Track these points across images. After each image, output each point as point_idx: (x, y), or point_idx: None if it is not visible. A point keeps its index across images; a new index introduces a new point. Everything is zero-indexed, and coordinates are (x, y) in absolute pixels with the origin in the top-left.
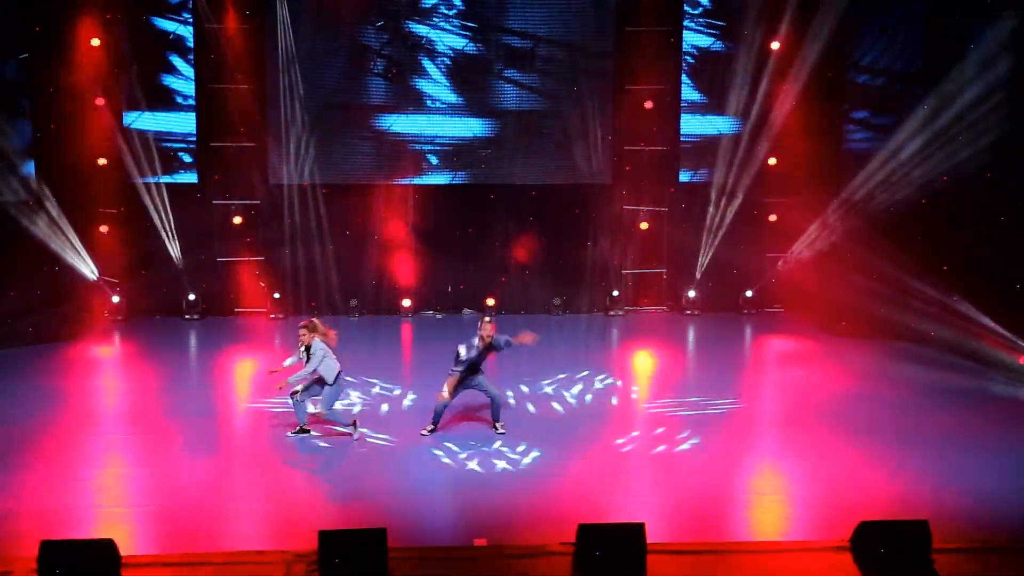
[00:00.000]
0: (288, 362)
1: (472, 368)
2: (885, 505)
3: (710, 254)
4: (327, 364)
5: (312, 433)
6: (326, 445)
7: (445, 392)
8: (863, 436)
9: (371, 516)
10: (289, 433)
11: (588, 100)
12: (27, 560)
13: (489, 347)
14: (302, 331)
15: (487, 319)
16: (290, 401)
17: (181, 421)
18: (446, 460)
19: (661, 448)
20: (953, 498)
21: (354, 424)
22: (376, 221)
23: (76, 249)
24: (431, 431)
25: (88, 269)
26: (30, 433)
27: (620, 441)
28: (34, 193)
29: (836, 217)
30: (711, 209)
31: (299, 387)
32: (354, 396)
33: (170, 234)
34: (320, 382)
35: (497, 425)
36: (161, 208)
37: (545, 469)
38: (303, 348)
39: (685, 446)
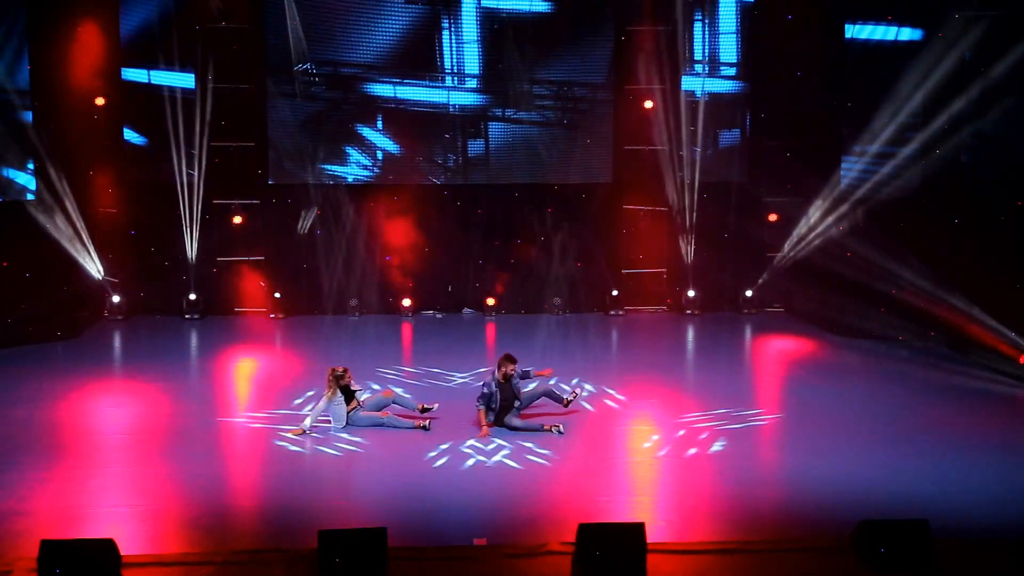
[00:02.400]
0: (308, 423)
1: (500, 407)
2: (885, 505)
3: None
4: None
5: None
6: (326, 447)
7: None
8: (863, 436)
9: (371, 516)
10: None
11: (588, 99)
12: (27, 560)
13: (508, 384)
14: (329, 388)
15: (509, 364)
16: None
17: (181, 421)
18: (446, 460)
19: (663, 451)
20: (953, 498)
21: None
22: (376, 221)
23: (85, 248)
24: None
25: (95, 268)
26: (30, 433)
27: (621, 442)
28: (35, 192)
29: (832, 210)
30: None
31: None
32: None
33: (172, 234)
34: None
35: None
36: (179, 208)
37: (545, 469)
38: (340, 393)
39: (688, 448)
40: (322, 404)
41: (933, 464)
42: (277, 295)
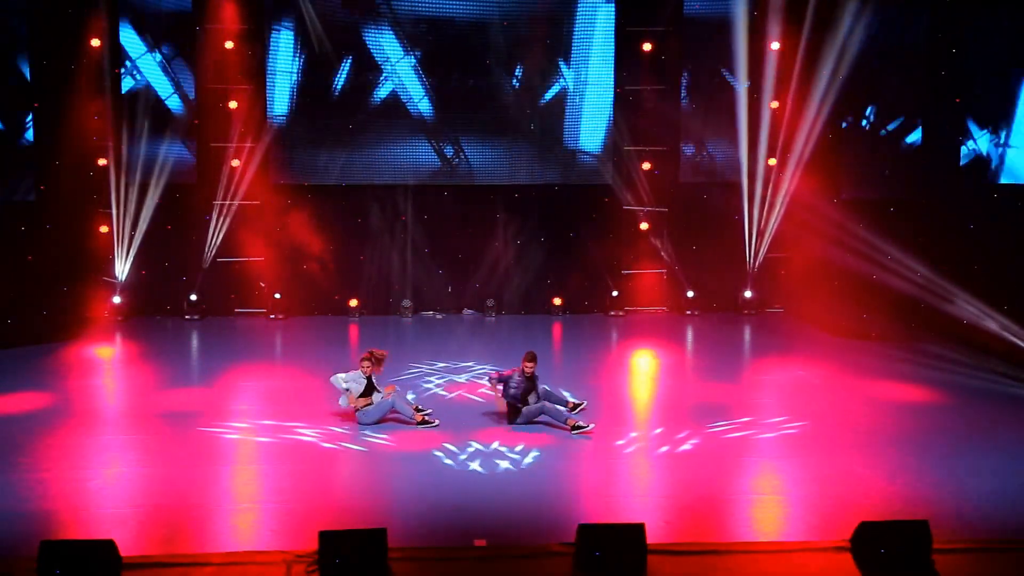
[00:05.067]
0: (343, 401)
1: (521, 393)
2: (885, 505)
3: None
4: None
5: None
6: (328, 446)
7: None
8: (863, 436)
9: (371, 516)
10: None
11: (588, 100)
12: (27, 560)
13: (532, 382)
14: (365, 363)
15: (529, 363)
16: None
17: (181, 421)
18: (446, 461)
19: (662, 449)
20: (953, 498)
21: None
22: (376, 221)
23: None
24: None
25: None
26: (30, 433)
27: (620, 442)
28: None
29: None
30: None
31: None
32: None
33: (179, 235)
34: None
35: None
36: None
37: (545, 469)
38: (365, 378)
39: (685, 446)
40: (354, 382)
41: (933, 464)
42: (277, 296)
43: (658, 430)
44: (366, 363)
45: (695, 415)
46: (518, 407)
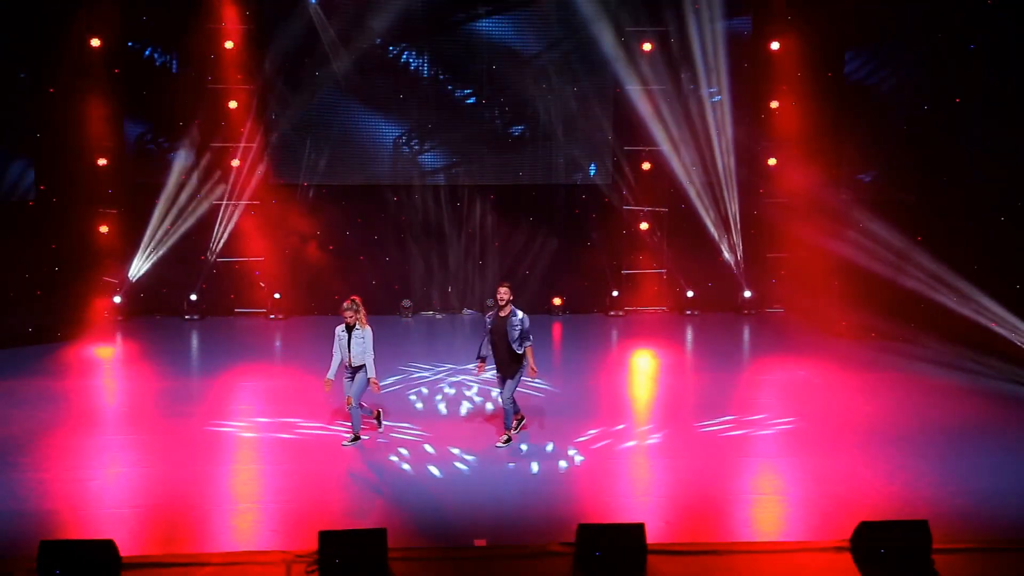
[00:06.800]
0: (332, 372)
1: (499, 353)
2: (885, 505)
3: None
4: (369, 350)
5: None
6: (328, 444)
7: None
8: (863, 436)
9: (371, 516)
10: (344, 442)
11: (588, 100)
12: (27, 560)
13: (505, 321)
14: (348, 312)
15: (502, 288)
16: (348, 409)
17: (181, 421)
18: (446, 461)
19: (658, 445)
20: (953, 498)
21: (378, 416)
22: (377, 221)
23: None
24: (506, 441)
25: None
26: (30, 433)
27: (620, 443)
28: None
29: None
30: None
31: (354, 396)
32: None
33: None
34: (356, 371)
35: (504, 435)
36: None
37: (545, 469)
38: (345, 328)
39: (660, 440)
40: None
41: (933, 464)
42: (277, 296)
43: (647, 426)
44: (349, 312)
45: (694, 414)
46: (517, 354)
